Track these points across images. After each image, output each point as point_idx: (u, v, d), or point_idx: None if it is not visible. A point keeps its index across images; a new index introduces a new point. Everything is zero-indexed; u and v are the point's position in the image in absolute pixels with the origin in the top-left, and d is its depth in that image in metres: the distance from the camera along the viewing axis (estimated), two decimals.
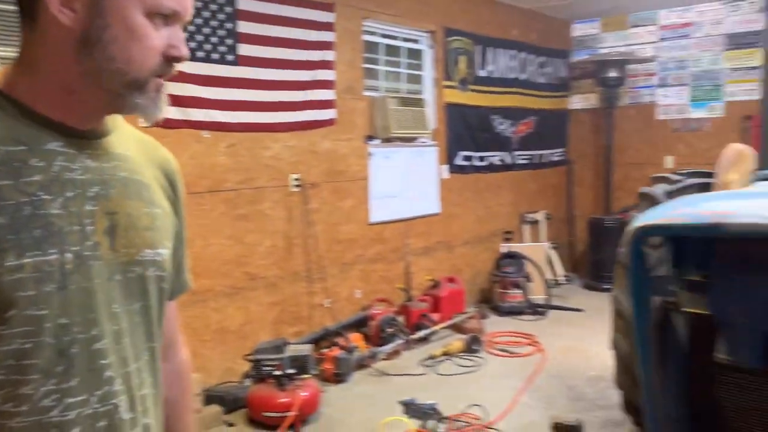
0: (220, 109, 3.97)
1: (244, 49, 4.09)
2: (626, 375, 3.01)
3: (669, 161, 6.79)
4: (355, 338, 4.53)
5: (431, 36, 5.71)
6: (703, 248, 1.23)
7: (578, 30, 7.40)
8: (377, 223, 5.18)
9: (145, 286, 0.93)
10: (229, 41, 4.00)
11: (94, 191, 0.87)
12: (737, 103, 6.42)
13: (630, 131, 7.09)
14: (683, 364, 1.41)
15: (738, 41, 6.40)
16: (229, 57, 4.01)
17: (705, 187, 2.79)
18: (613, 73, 6.65)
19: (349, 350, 4.35)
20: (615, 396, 3.61)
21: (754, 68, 6.29)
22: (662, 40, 6.81)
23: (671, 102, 6.83)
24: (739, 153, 2.91)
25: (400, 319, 5.04)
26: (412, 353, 4.78)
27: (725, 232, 1.06)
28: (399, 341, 4.75)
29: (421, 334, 4.94)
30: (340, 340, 4.43)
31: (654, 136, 6.95)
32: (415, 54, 5.69)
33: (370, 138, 5.10)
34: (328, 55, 4.63)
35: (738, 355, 1.21)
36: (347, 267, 4.95)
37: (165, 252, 0.96)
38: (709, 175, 2.95)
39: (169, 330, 1.08)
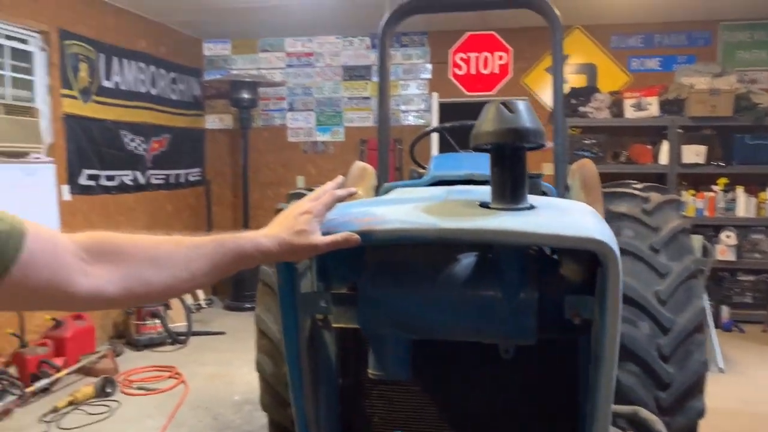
0: None
1: None
2: (272, 396, 2.95)
3: (300, 181, 7.17)
4: None
5: (43, 37, 4.95)
6: (350, 259, 1.17)
7: (209, 49, 7.33)
8: None
9: None
10: None
11: None
12: (354, 129, 7.13)
13: (264, 152, 7.29)
14: (334, 383, 1.35)
15: (352, 73, 7.11)
16: None
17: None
18: (245, 95, 6.73)
19: None
20: (262, 418, 3.54)
21: (366, 98, 7.06)
22: (289, 66, 7.18)
23: (300, 125, 7.24)
24: (363, 169, 3.13)
25: (12, 370, 4.19)
26: (29, 409, 3.99)
27: (374, 239, 1.00)
28: (11, 398, 3.92)
29: (41, 384, 4.18)
30: None
31: (286, 158, 7.27)
32: (23, 56, 4.86)
33: None
34: None
35: (386, 368, 1.18)
36: None
37: None
38: None
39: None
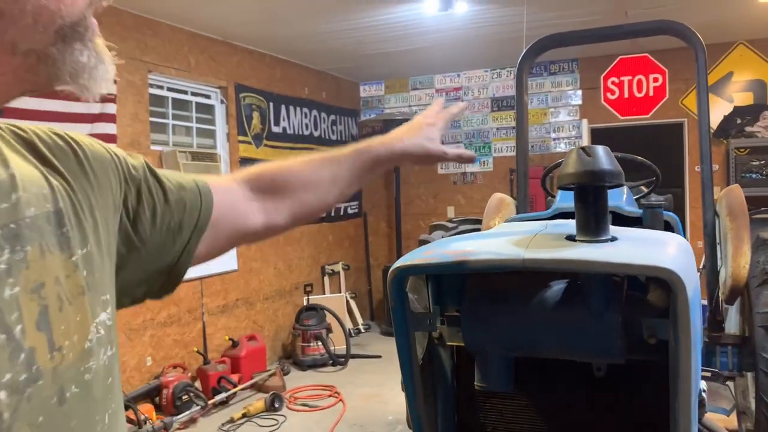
0: None
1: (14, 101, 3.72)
2: None
3: (450, 211, 7.40)
4: (145, 410, 4.20)
5: (222, 92, 5.69)
6: (457, 284, 1.35)
7: (365, 91, 7.86)
8: None
9: (103, 383, 0.59)
10: None
11: (4, 260, 0.51)
12: (503, 158, 7.24)
13: (416, 184, 7.63)
14: (450, 395, 1.53)
15: (501, 104, 7.26)
16: None
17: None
18: None
19: (139, 424, 4.02)
20: None
21: (515, 128, 7.14)
22: None
23: None
24: (500, 201, 3.26)
25: (197, 384, 4.79)
26: (211, 419, 4.54)
27: (467, 268, 1.17)
28: (195, 408, 4.49)
29: (220, 397, 4.73)
30: (128, 414, 4.07)
31: (437, 189, 7.55)
32: (206, 109, 5.62)
33: None
34: (108, 108, 4.39)
35: (489, 381, 1.34)
36: (135, 333, 4.61)
37: (108, 314, 0.62)
38: (478, 221, 3.26)
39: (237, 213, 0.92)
